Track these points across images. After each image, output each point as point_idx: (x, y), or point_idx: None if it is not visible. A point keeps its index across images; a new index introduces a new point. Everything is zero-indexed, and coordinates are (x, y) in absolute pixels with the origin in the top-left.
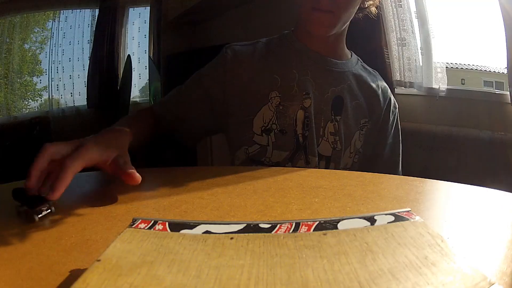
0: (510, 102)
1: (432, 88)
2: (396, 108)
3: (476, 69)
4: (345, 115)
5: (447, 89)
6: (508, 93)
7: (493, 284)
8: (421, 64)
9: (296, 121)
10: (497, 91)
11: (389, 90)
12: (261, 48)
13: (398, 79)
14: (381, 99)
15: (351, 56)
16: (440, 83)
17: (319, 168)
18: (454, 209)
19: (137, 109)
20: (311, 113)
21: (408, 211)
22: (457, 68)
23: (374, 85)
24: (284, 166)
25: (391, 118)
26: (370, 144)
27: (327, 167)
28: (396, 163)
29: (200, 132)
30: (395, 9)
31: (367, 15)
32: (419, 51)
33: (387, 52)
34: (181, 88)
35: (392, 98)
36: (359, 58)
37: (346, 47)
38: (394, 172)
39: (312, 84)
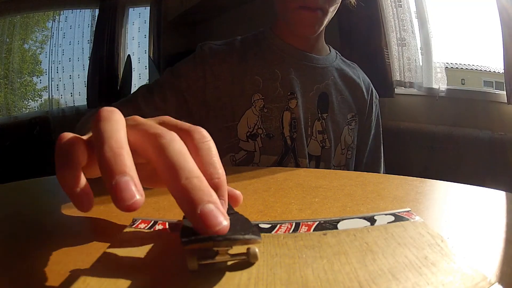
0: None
1: (432, 88)
2: (377, 99)
3: (476, 69)
4: (332, 111)
5: (447, 89)
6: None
7: (493, 284)
8: (421, 64)
9: (283, 123)
10: (497, 91)
11: (370, 82)
12: (239, 47)
13: (398, 79)
14: (364, 91)
15: (330, 50)
16: (440, 83)
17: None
18: (454, 209)
19: None
20: (298, 113)
21: (408, 211)
22: (457, 68)
23: (356, 78)
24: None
25: (374, 109)
26: (359, 136)
27: (317, 167)
28: (379, 154)
29: None
30: (395, 9)
31: (366, 16)
32: (419, 51)
33: (387, 52)
34: (149, 96)
35: (373, 89)
36: (337, 51)
37: (325, 42)
38: (377, 163)
39: (296, 82)
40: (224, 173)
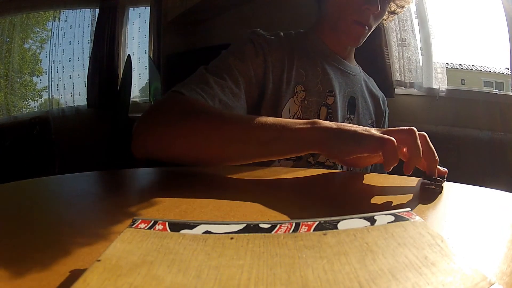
0: None
1: (432, 88)
2: (388, 111)
3: (476, 69)
4: (357, 115)
5: (447, 89)
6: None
7: (493, 284)
8: (421, 64)
9: (319, 117)
10: (497, 92)
11: (384, 95)
12: (284, 40)
13: (398, 79)
14: (381, 103)
15: (356, 63)
16: (440, 83)
17: (335, 165)
18: (454, 209)
19: (137, 109)
20: (334, 110)
21: (408, 211)
22: (457, 68)
23: (375, 90)
24: (306, 160)
25: (387, 118)
26: None
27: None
28: None
29: None
30: None
31: None
32: (419, 51)
33: (387, 52)
34: (223, 82)
35: (386, 101)
36: (359, 66)
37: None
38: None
39: (333, 83)
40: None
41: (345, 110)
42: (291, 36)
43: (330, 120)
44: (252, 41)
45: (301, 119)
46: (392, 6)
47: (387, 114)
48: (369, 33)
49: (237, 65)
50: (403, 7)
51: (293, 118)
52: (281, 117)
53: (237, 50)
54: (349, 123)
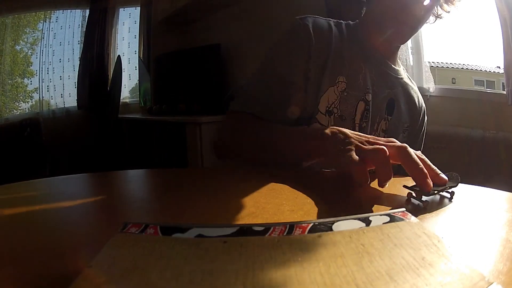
0: (504, 101)
1: (423, 87)
2: (426, 119)
3: (466, 68)
4: (395, 116)
5: (438, 88)
6: (503, 92)
7: (491, 283)
8: (411, 64)
9: (356, 111)
10: (488, 90)
11: (423, 102)
12: (335, 29)
13: None
14: (419, 109)
15: (401, 66)
16: (431, 82)
17: None
18: (448, 208)
19: (127, 109)
20: (371, 107)
21: (403, 211)
22: (447, 67)
23: (416, 96)
24: None
25: (423, 128)
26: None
27: None
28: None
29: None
30: None
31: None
32: (410, 50)
33: None
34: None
35: (425, 109)
36: (404, 69)
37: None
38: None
39: (373, 81)
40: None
41: (383, 110)
42: (340, 27)
43: (366, 117)
44: (296, 32)
45: (337, 109)
46: (439, 10)
47: (425, 122)
48: (415, 33)
49: (281, 65)
50: (448, 12)
51: (330, 107)
52: (319, 103)
53: (282, 48)
54: (386, 123)
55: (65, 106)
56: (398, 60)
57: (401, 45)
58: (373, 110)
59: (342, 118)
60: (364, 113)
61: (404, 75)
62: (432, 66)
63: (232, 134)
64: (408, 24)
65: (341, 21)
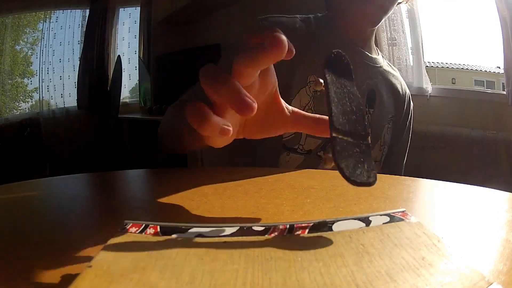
0: (504, 101)
1: (422, 88)
2: (412, 106)
3: (466, 69)
4: (377, 108)
5: (438, 88)
6: (503, 92)
7: (491, 283)
8: (411, 64)
9: None
10: (488, 90)
11: (407, 88)
12: (300, 25)
13: None
14: (403, 96)
15: (379, 53)
16: (431, 82)
17: None
18: (447, 208)
19: (127, 109)
20: None
21: (403, 211)
22: (447, 67)
23: (398, 83)
24: (316, 154)
25: (409, 116)
26: (393, 136)
27: None
28: (403, 157)
29: None
30: None
31: None
32: (410, 51)
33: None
34: None
35: (410, 95)
36: (383, 55)
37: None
38: (401, 160)
39: None
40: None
41: (364, 103)
42: (307, 21)
43: None
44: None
45: (312, 110)
46: None
47: (410, 110)
48: (387, 14)
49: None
50: None
51: (304, 109)
52: None
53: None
54: (368, 117)
55: (65, 106)
56: (376, 48)
57: (400, 43)
58: None
59: None
60: None
61: (383, 62)
62: (432, 66)
63: (163, 121)
64: (377, 4)
65: (310, 15)
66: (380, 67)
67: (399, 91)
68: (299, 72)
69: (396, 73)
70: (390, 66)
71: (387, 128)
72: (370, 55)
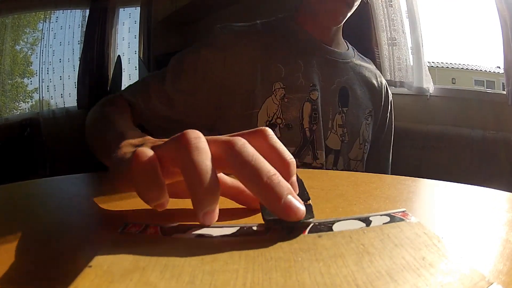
0: (504, 101)
1: (422, 87)
2: (391, 96)
3: (466, 68)
4: (352, 106)
5: (438, 88)
6: (503, 92)
7: (492, 283)
8: (411, 63)
9: (303, 114)
10: (488, 90)
11: (383, 79)
12: (261, 32)
13: (389, 78)
14: (380, 88)
15: (348, 46)
16: (431, 82)
17: (327, 163)
18: (447, 208)
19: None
20: (319, 105)
21: (403, 211)
22: (447, 67)
23: (372, 75)
24: None
25: (389, 106)
26: (373, 131)
27: (335, 162)
28: (390, 150)
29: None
30: (385, 9)
31: (357, 15)
32: (410, 50)
33: (378, 51)
34: (161, 86)
35: (387, 85)
36: (353, 48)
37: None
38: (387, 158)
39: (318, 75)
40: (292, 158)
41: (336, 103)
42: (269, 27)
43: (315, 117)
44: (214, 38)
45: (281, 119)
46: None
47: (389, 102)
48: (353, 9)
49: (192, 63)
50: None
51: (272, 119)
52: (257, 121)
53: (196, 49)
54: (342, 116)
55: (65, 106)
56: (345, 41)
57: (400, 43)
58: (323, 108)
59: (289, 127)
60: (312, 114)
61: (353, 56)
62: (432, 66)
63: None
64: (340, 0)
65: (272, 18)
66: (350, 61)
67: (374, 84)
68: (263, 81)
69: (369, 65)
70: (362, 58)
71: (366, 124)
72: (338, 51)
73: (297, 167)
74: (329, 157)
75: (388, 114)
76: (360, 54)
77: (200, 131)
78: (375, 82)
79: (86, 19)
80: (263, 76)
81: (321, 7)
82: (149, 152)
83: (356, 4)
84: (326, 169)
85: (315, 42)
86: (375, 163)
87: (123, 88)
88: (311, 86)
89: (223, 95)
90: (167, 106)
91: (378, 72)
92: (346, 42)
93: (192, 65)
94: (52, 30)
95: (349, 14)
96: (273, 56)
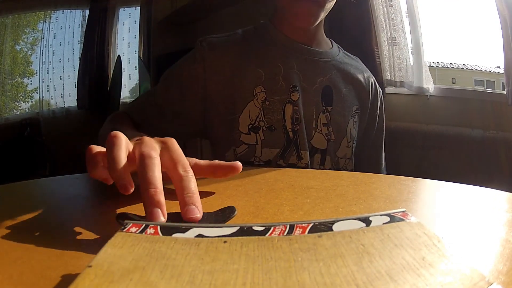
0: (504, 101)
1: (422, 87)
2: (381, 93)
3: (466, 68)
4: (336, 104)
5: (438, 88)
6: (503, 92)
7: (491, 284)
8: (411, 63)
9: (285, 116)
10: (488, 90)
11: (371, 75)
12: (240, 39)
13: (389, 78)
14: (366, 84)
15: (332, 44)
16: (431, 82)
17: (313, 163)
18: (447, 208)
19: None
20: (300, 106)
21: (403, 212)
22: (447, 67)
23: (358, 72)
24: (276, 163)
25: (378, 102)
26: (361, 129)
27: (322, 161)
28: (382, 148)
29: (184, 137)
30: (385, 9)
31: (357, 16)
32: (410, 50)
33: (378, 51)
34: (153, 99)
35: (375, 82)
36: (339, 46)
37: (325, 36)
38: (380, 156)
39: (299, 76)
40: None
41: (319, 102)
42: (248, 33)
43: (297, 118)
44: (194, 52)
45: (264, 122)
46: None
47: (378, 99)
48: (324, 10)
49: (175, 77)
50: None
51: (255, 122)
52: (239, 125)
53: (178, 63)
54: (327, 115)
55: (65, 106)
56: (328, 40)
57: (400, 43)
58: (306, 108)
59: (272, 129)
60: (294, 115)
61: (338, 54)
62: (432, 66)
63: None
64: (308, 1)
65: (252, 26)
66: (333, 60)
67: (360, 81)
68: (243, 86)
69: (356, 62)
70: (348, 56)
71: (353, 122)
72: (318, 50)
73: (283, 168)
74: (316, 156)
75: (378, 112)
76: (346, 52)
77: (189, 138)
78: (361, 79)
79: (86, 19)
80: (242, 82)
81: (292, 10)
82: (123, 136)
83: (329, 4)
84: (313, 168)
85: (293, 44)
86: (367, 162)
87: (122, 88)
88: (291, 87)
89: (207, 103)
90: (158, 117)
91: (365, 68)
92: (330, 41)
93: (177, 78)
94: (52, 30)
95: (322, 14)
96: (253, 61)
